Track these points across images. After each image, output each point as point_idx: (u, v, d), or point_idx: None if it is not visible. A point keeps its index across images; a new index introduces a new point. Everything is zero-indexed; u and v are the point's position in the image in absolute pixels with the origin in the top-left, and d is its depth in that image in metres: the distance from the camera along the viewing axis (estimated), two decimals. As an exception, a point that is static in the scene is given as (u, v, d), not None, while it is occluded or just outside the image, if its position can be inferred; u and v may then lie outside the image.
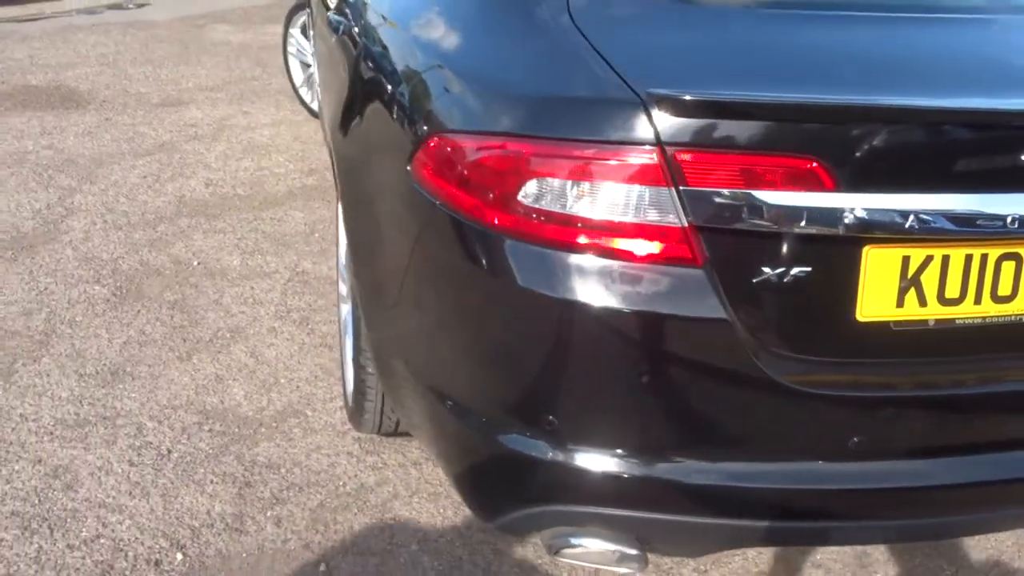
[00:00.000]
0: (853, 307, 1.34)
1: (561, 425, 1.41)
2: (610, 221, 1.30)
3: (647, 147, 1.26)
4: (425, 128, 1.53)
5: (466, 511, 2.08)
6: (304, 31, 4.72)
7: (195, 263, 3.22)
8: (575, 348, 1.36)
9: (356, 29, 2.18)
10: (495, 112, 1.40)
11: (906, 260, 1.33)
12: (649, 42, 1.43)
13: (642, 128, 1.26)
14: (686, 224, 1.28)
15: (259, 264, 3.23)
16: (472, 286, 1.46)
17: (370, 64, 1.92)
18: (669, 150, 1.26)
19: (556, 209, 1.32)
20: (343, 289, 2.46)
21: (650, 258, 1.30)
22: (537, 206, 1.33)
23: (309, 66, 4.74)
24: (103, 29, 6.43)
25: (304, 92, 4.81)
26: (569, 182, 1.31)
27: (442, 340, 1.58)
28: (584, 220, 1.31)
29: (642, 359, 1.34)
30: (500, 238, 1.38)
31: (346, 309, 2.41)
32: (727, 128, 1.25)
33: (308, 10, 4.37)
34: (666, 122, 1.25)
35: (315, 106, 4.76)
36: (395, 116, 1.67)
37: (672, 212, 1.28)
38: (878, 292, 1.34)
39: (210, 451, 2.26)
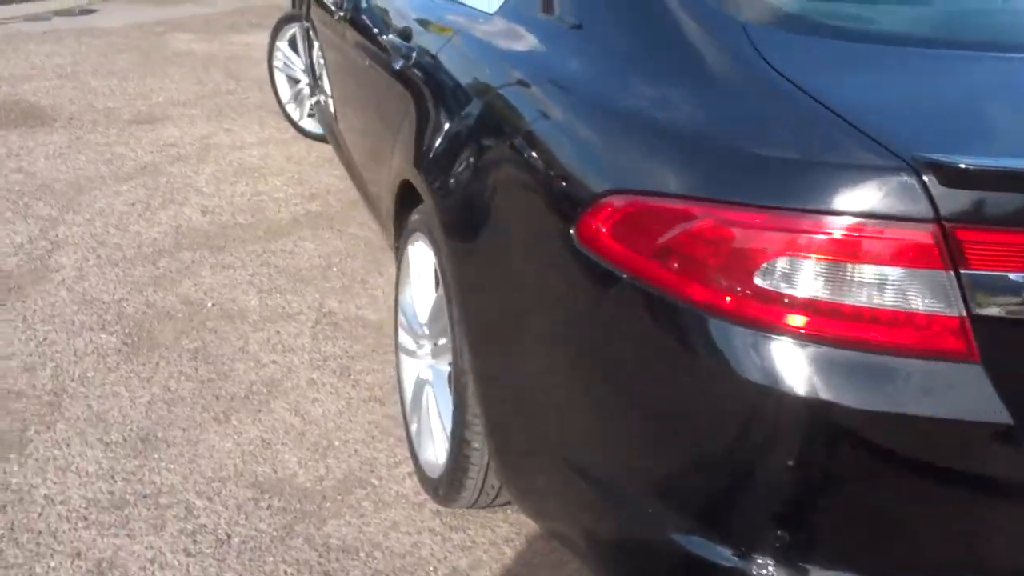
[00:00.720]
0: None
1: (789, 540, 1.21)
2: (868, 308, 1.11)
3: (922, 223, 1.08)
4: (603, 186, 1.31)
5: (581, 598, 1.87)
6: (293, 45, 4.43)
7: (209, 304, 2.92)
8: (818, 453, 1.16)
9: (447, 59, 1.95)
10: (711, 174, 1.20)
11: None
12: (877, 92, 1.25)
13: (916, 200, 1.07)
14: (964, 313, 1.09)
15: (280, 304, 2.95)
16: (671, 371, 1.25)
17: (487, 103, 1.69)
18: (948, 227, 1.08)
19: (799, 292, 1.13)
20: (408, 342, 2.21)
21: (916, 351, 1.11)
22: (773, 287, 1.13)
23: (298, 81, 4.46)
24: (55, 37, 6.00)
25: (292, 109, 4.52)
26: (819, 261, 1.11)
27: (617, 426, 1.36)
28: (835, 306, 1.12)
29: (901, 469, 1.15)
30: (719, 321, 1.17)
31: (415, 368, 2.17)
32: (1018, 202, 1.08)
33: (303, 24, 4.09)
34: (945, 194, 1.07)
35: (305, 124, 4.48)
36: (546, 167, 1.45)
37: (948, 298, 1.09)
38: None
39: (275, 533, 1.99)
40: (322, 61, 3.89)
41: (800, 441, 1.17)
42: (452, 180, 1.73)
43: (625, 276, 1.27)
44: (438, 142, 1.82)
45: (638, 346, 1.30)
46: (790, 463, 1.19)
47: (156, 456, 2.20)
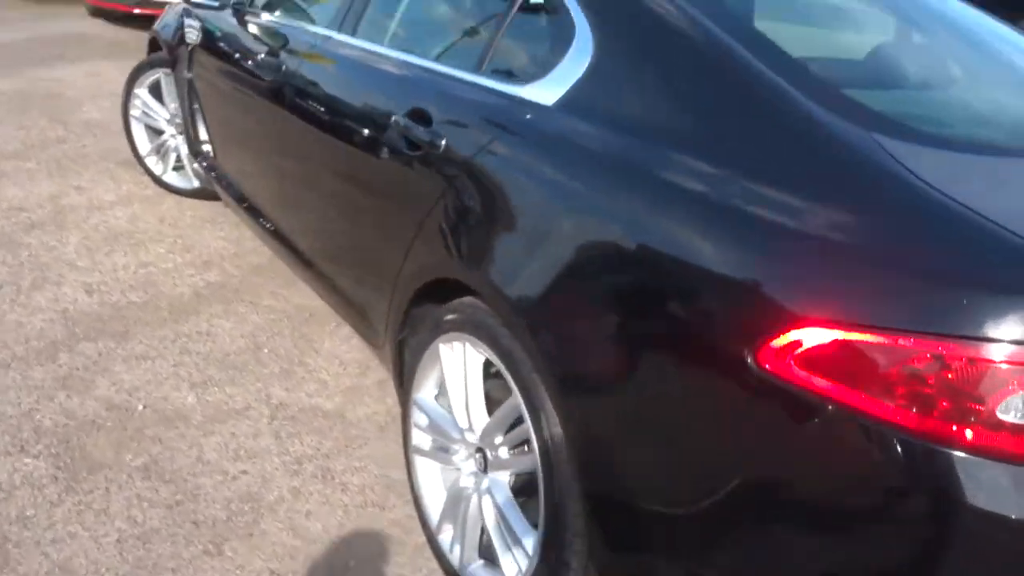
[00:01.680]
0: None
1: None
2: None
3: None
4: (796, 314, 1.26)
5: None
6: (155, 92, 4.00)
7: (139, 407, 2.56)
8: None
9: (509, 161, 1.82)
10: (931, 305, 1.19)
11: None
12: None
13: None
14: None
15: (221, 400, 2.64)
16: (880, 499, 1.24)
17: (590, 209, 1.59)
18: None
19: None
20: (426, 444, 2.05)
21: None
22: (1019, 420, 1.15)
23: (161, 132, 4.04)
24: None
25: (153, 162, 4.10)
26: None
27: (799, 543, 1.33)
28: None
29: None
30: (949, 451, 1.17)
31: (446, 474, 2.01)
32: None
33: (182, 72, 3.68)
34: None
35: (170, 179, 4.08)
36: (709, 287, 1.38)
37: None
38: None
39: None
40: (201, 112, 3.55)
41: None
42: (542, 286, 1.61)
43: (830, 407, 1.24)
44: (514, 243, 1.69)
45: (838, 474, 1.27)
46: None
47: (154, 610, 1.89)
